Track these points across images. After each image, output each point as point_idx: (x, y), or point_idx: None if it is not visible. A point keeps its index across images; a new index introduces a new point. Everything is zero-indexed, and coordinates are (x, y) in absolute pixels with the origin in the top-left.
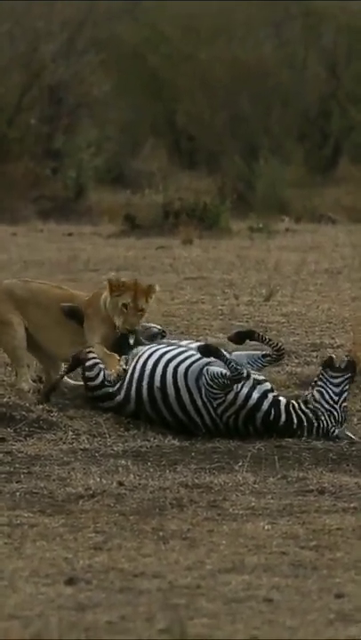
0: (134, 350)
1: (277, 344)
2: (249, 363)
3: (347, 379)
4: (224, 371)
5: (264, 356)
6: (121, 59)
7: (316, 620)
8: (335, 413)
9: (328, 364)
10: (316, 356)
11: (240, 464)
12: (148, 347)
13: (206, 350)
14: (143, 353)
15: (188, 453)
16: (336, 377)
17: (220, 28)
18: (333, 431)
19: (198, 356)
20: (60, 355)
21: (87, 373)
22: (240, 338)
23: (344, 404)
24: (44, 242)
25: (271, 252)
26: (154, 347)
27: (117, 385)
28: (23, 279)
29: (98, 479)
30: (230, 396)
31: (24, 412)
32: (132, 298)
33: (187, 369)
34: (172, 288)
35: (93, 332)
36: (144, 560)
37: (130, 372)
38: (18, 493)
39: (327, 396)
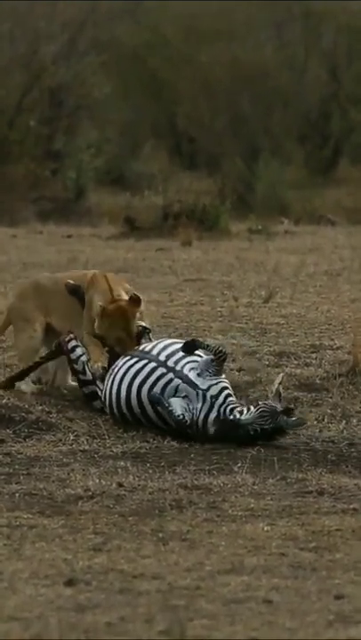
0: None
1: (213, 349)
2: (208, 370)
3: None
4: (179, 411)
5: (212, 360)
6: (121, 60)
7: (315, 622)
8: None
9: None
10: (316, 358)
11: (239, 465)
12: (123, 361)
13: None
14: (119, 369)
15: (187, 455)
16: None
17: (221, 29)
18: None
19: (171, 375)
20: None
21: (75, 366)
22: (188, 348)
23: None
24: (44, 244)
25: (270, 254)
26: (128, 363)
27: (102, 391)
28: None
29: (97, 480)
30: (193, 424)
31: (23, 414)
32: (123, 329)
33: (161, 392)
34: (171, 290)
35: (87, 321)
36: (143, 561)
37: (108, 386)
38: (17, 495)
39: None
